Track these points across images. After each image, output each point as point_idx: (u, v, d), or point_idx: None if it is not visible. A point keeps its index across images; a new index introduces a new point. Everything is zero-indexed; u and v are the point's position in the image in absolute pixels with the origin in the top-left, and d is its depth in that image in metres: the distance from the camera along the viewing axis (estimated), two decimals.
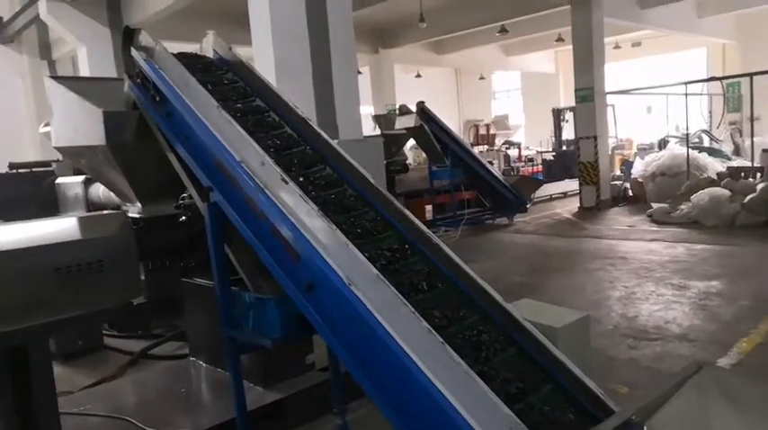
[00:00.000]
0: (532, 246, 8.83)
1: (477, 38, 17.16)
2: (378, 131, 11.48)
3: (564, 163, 15.58)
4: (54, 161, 8.58)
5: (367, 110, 14.63)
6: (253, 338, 2.41)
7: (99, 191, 6.11)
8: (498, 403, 1.58)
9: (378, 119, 12.54)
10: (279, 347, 2.46)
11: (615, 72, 16.98)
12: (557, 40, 17.32)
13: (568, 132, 17.24)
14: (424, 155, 13.30)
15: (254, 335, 2.40)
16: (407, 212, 2.37)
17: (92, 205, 6.24)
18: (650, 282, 6.13)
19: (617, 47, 18.83)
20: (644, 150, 15.57)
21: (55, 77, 3.53)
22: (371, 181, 2.50)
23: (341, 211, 2.37)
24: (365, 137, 7.97)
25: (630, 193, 12.54)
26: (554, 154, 17.52)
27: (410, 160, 13.50)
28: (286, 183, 2.23)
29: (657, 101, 16.64)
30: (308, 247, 2.07)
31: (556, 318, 2.94)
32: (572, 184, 14.01)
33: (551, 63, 23.35)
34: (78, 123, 3.24)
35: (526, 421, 1.61)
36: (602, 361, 4.05)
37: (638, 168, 12.59)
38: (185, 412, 3.48)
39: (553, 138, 18.96)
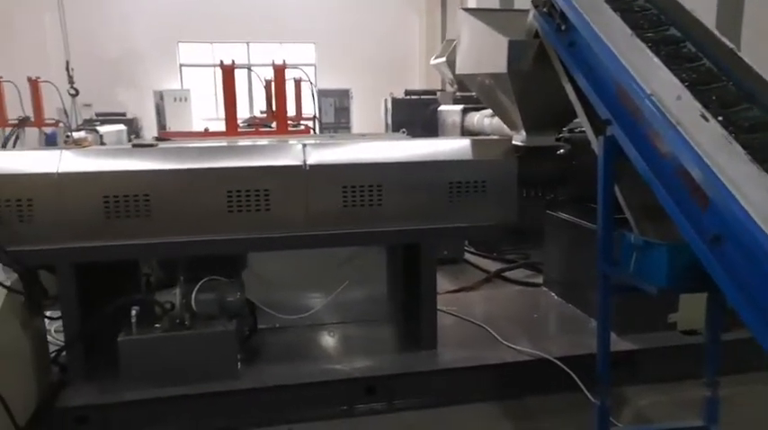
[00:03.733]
0: None
1: None
2: None
3: None
4: (438, 90, 9.68)
5: None
6: (631, 281, 2.31)
7: (474, 119, 6.64)
8: None
9: None
10: (639, 298, 2.33)
11: None
12: None
13: None
14: None
15: (633, 278, 2.30)
16: None
17: (466, 132, 6.84)
18: None
19: None
20: None
21: (467, 9, 3.84)
22: None
23: None
24: None
25: None
26: None
27: None
28: (706, 120, 1.99)
29: None
30: (725, 194, 1.82)
31: None
32: None
33: None
34: (482, 52, 3.49)
35: None
36: None
37: None
38: (534, 336, 3.63)
39: None
